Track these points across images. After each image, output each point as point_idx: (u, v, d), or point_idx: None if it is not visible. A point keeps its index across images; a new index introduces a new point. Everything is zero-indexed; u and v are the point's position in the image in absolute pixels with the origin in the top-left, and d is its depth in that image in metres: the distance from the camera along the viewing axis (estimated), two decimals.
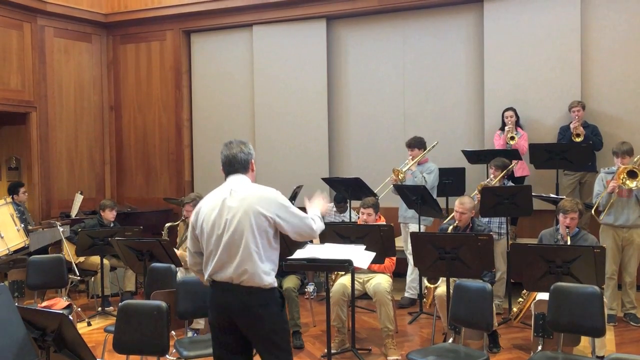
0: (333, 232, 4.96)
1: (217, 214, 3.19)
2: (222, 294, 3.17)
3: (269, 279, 3.13)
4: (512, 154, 6.55)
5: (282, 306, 3.21)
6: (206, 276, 3.24)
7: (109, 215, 6.93)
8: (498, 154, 6.44)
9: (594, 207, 5.59)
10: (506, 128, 6.81)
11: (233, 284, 3.12)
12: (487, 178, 6.25)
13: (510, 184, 6.28)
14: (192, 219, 3.36)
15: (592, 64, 6.96)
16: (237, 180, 3.28)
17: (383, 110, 8.00)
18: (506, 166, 6.07)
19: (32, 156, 8.59)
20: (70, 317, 3.53)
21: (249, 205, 3.14)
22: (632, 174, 5.32)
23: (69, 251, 6.47)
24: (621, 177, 5.32)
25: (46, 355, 2.65)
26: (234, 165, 3.30)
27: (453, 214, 5.30)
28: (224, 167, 3.35)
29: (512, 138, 6.71)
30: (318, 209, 3.46)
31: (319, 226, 3.33)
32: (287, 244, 4.19)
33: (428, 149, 6.51)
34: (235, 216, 3.13)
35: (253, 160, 3.37)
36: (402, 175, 6.31)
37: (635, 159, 5.52)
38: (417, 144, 6.48)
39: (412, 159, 6.45)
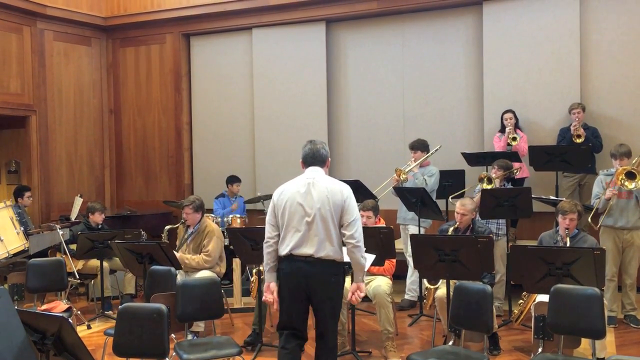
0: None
1: (302, 198, 3.75)
2: (302, 265, 3.71)
3: (342, 255, 3.79)
4: (512, 156, 6.56)
5: (344, 279, 3.91)
6: (286, 250, 3.74)
7: (98, 218, 6.97)
8: (498, 156, 6.44)
9: (592, 212, 5.57)
10: (507, 129, 6.81)
11: (314, 258, 3.69)
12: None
13: (510, 186, 6.28)
14: (274, 197, 3.87)
15: (591, 65, 6.97)
16: (316, 172, 3.85)
17: (382, 113, 8.01)
18: (509, 168, 6.08)
19: (31, 159, 8.59)
20: (70, 320, 3.53)
21: (330, 194, 3.73)
22: (630, 175, 5.31)
23: (70, 260, 6.45)
24: (620, 179, 5.32)
25: (46, 359, 2.64)
26: (316, 158, 3.89)
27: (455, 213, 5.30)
28: (305, 159, 3.90)
29: (514, 139, 6.71)
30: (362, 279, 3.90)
31: (365, 257, 3.88)
32: None
33: (431, 152, 6.52)
34: (318, 202, 3.71)
35: (329, 159, 3.98)
36: (404, 175, 6.31)
37: (634, 161, 5.52)
38: (420, 146, 6.49)
39: (415, 161, 6.45)
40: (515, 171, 6.35)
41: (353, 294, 3.82)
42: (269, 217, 3.89)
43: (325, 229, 3.70)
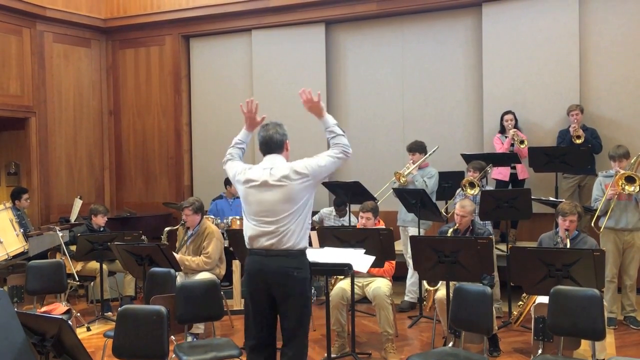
0: (332, 236, 4.96)
1: (258, 189, 3.52)
2: (260, 260, 3.47)
3: (304, 243, 3.49)
4: (512, 157, 6.56)
5: (310, 273, 3.57)
6: (246, 241, 3.55)
7: (100, 220, 6.95)
8: (497, 157, 6.45)
9: (595, 217, 5.56)
10: (511, 132, 6.79)
11: (273, 250, 3.44)
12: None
13: (489, 187, 6.30)
14: (237, 168, 3.71)
15: (590, 67, 6.98)
16: (275, 159, 3.58)
17: (382, 114, 8.01)
18: (484, 168, 6.12)
19: (31, 161, 8.60)
20: (70, 322, 3.53)
21: (284, 175, 3.47)
22: (629, 179, 5.32)
23: (69, 262, 6.44)
24: (620, 184, 5.33)
25: None
26: (271, 145, 3.62)
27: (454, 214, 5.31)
28: (261, 147, 3.65)
29: (522, 142, 6.70)
30: (326, 113, 3.84)
31: (343, 137, 3.73)
32: None
33: (429, 153, 6.52)
34: (275, 192, 3.46)
35: (288, 141, 3.69)
36: (404, 179, 6.32)
37: (632, 161, 5.53)
38: (418, 148, 6.49)
39: (413, 163, 6.45)
40: (489, 171, 6.38)
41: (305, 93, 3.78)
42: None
43: (284, 216, 3.43)
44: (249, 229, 3.57)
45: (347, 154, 3.64)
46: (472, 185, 6.00)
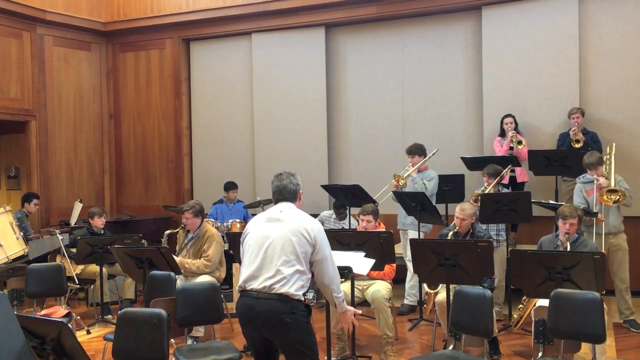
0: (333, 239, 4.94)
1: (264, 228, 3.48)
2: (251, 303, 3.37)
3: (300, 291, 3.37)
4: (512, 160, 6.56)
5: (307, 317, 3.43)
6: (240, 282, 3.46)
7: (98, 222, 6.95)
8: (497, 160, 6.44)
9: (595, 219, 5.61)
10: (510, 134, 6.80)
11: (265, 293, 3.34)
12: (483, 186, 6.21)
13: (505, 190, 6.27)
14: (243, 235, 3.64)
15: (590, 70, 6.98)
16: (286, 206, 3.59)
17: (382, 117, 8.02)
18: (499, 173, 6.07)
19: (31, 164, 8.59)
20: (70, 325, 3.52)
21: (295, 225, 3.43)
22: (611, 191, 5.50)
23: (70, 264, 6.44)
24: (604, 197, 5.48)
25: None
26: (284, 194, 3.63)
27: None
28: (274, 195, 3.66)
29: (520, 142, 6.70)
30: (345, 311, 3.67)
31: (339, 293, 3.57)
32: None
33: (428, 156, 6.51)
34: (281, 232, 3.42)
35: (301, 191, 3.71)
36: (403, 181, 6.31)
37: (604, 168, 5.65)
38: (417, 150, 6.48)
39: (412, 166, 6.45)
40: (507, 172, 6.32)
41: (344, 323, 3.70)
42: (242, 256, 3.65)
43: (284, 261, 3.34)
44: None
45: (331, 288, 3.55)
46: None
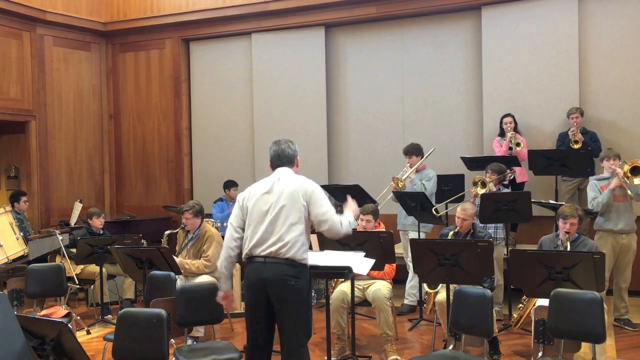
0: (332, 240, 4.95)
1: (264, 196, 3.65)
2: (259, 267, 3.55)
3: (305, 255, 3.58)
4: (512, 160, 6.56)
5: (309, 287, 3.63)
6: (246, 250, 3.63)
7: (97, 223, 6.95)
8: (497, 160, 6.43)
9: (595, 217, 5.60)
10: (508, 135, 6.80)
11: (273, 258, 3.53)
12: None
13: (505, 190, 6.28)
14: (239, 198, 3.79)
15: (590, 70, 6.98)
16: (283, 171, 3.74)
17: (382, 117, 8.02)
18: (503, 171, 6.08)
19: (31, 165, 8.60)
20: (70, 325, 3.53)
21: (292, 189, 3.60)
22: (635, 171, 5.35)
23: (70, 265, 6.44)
24: (626, 171, 5.36)
25: None
26: (282, 159, 3.78)
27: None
28: (272, 161, 3.81)
29: (518, 144, 6.71)
30: (351, 214, 3.85)
31: (345, 226, 3.69)
32: None
33: (425, 155, 6.51)
34: (280, 199, 3.59)
35: (298, 157, 3.86)
36: (401, 183, 6.31)
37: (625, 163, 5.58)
38: (414, 151, 6.48)
39: (410, 167, 6.45)
40: (510, 175, 6.34)
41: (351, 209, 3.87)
42: (231, 219, 3.77)
43: (288, 226, 3.54)
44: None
45: (337, 229, 3.66)
46: (483, 184, 5.96)
